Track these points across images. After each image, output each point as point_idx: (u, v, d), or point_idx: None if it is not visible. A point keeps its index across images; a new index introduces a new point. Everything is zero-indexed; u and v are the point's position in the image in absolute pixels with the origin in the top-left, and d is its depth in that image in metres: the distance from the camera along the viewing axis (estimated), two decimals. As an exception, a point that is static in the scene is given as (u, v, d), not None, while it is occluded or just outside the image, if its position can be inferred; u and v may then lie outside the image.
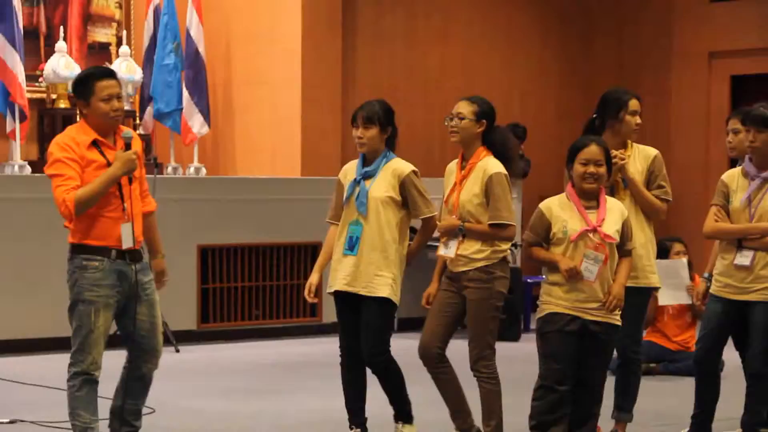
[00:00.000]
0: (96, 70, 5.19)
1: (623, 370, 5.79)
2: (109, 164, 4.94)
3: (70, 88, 10.04)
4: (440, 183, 5.69)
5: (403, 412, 5.66)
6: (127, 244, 4.97)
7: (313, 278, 5.66)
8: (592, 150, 5.19)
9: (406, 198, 5.52)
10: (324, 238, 5.77)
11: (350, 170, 5.65)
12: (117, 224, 4.95)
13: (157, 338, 5.14)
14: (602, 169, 5.19)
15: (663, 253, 7.49)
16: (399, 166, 5.56)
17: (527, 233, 5.31)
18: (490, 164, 5.42)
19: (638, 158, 5.69)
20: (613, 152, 5.46)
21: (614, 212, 5.24)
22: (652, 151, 5.74)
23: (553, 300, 5.21)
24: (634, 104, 5.72)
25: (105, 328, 4.99)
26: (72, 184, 4.86)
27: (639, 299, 5.66)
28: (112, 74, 5.06)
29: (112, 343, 5.06)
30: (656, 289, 5.82)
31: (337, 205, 5.67)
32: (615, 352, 5.75)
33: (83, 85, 5.01)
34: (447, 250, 5.48)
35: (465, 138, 5.48)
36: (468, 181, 5.45)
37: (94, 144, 4.97)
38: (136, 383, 5.15)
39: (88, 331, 4.95)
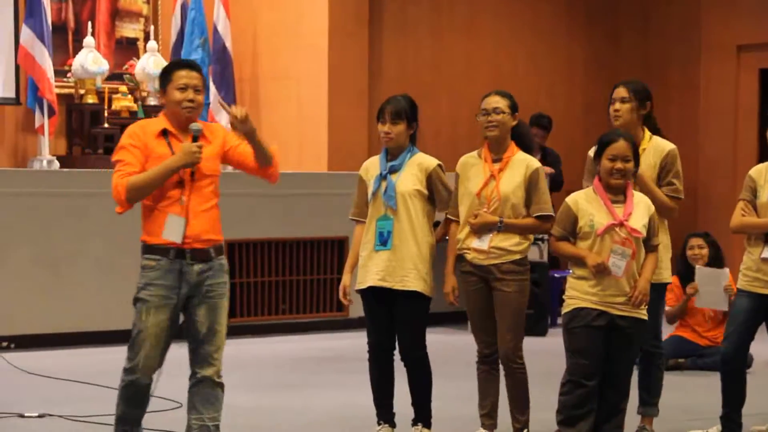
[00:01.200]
0: (180, 60, 5.13)
1: (646, 364, 5.76)
2: None
3: (98, 82, 10.14)
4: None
5: (424, 414, 5.65)
6: (168, 236, 4.73)
7: (346, 280, 5.66)
8: (621, 146, 5.18)
9: (432, 192, 5.52)
10: (351, 234, 5.77)
11: (372, 166, 5.65)
12: (182, 221, 4.74)
13: (214, 345, 4.81)
14: (630, 165, 5.18)
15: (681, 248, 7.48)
16: (425, 160, 5.58)
17: (554, 227, 5.31)
18: (531, 160, 5.50)
19: (653, 151, 5.63)
20: None
21: (641, 207, 5.22)
22: (668, 146, 5.66)
23: (580, 295, 5.19)
24: (615, 93, 5.68)
25: (158, 330, 4.74)
26: (128, 170, 4.70)
27: (654, 294, 5.63)
28: (194, 66, 4.90)
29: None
30: (668, 284, 5.77)
31: (360, 202, 5.67)
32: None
33: (164, 74, 4.88)
34: (480, 243, 5.47)
35: (502, 132, 5.50)
36: (505, 174, 5.46)
37: (164, 134, 4.80)
38: (196, 395, 4.84)
39: (138, 331, 4.77)
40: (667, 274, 5.66)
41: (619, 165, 5.17)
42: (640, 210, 5.21)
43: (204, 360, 4.83)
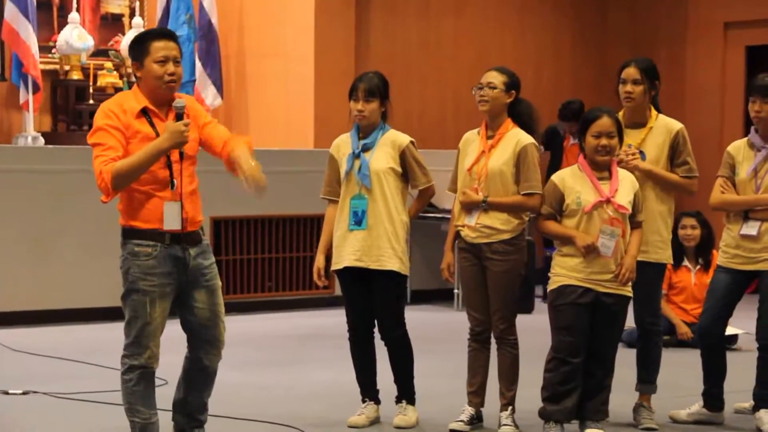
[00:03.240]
0: (154, 29, 4.71)
1: (643, 342, 5.77)
2: (158, 136, 4.44)
3: (83, 59, 10.08)
4: (453, 155, 5.67)
5: (408, 391, 5.66)
6: (170, 225, 4.49)
7: (320, 261, 5.63)
8: (605, 122, 5.17)
9: (406, 168, 5.51)
10: None
11: (343, 144, 5.62)
12: (177, 205, 4.51)
13: (218, 328, 4.69)
14: (614, 141, 5.18)
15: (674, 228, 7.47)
16: (397, 137, 5.56)
17: (542, 207, 5.30)
18: (522, 135, 5.44)
19: (660, 130, 5.62)
20: (624, 150, 5.42)
21: (626, 183, 5.23)
22: (676, 125, 5.65)
23: (566, 272, 5.20)
24: (625, 73, 5.64)
25: (162, 319, 4.56)
26: (112, 155, 4.36)
27: (653, 273, 5.65)
28: (171, 35, 4.54)
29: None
30: (665, 265, 5.78)
31: (332, 180, 5.64)
32: (635, 325, 5.78)
33: (138, 46, 4.50)
34: (470, 219, 5.47)
35: (494, 108, 5.46)
36: (496, 150, 5.44)
37: (144, 113, 4.48)
38: (199, 375, 4.75)
39: (145, 323, 4.52)
40: (667, 254, 5.68)
41: (604, 141, 5.16)
42: (625, 186, 5.22)
43: (211, 345, 4.71)
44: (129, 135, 4.44)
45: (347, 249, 5.51)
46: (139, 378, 4.59)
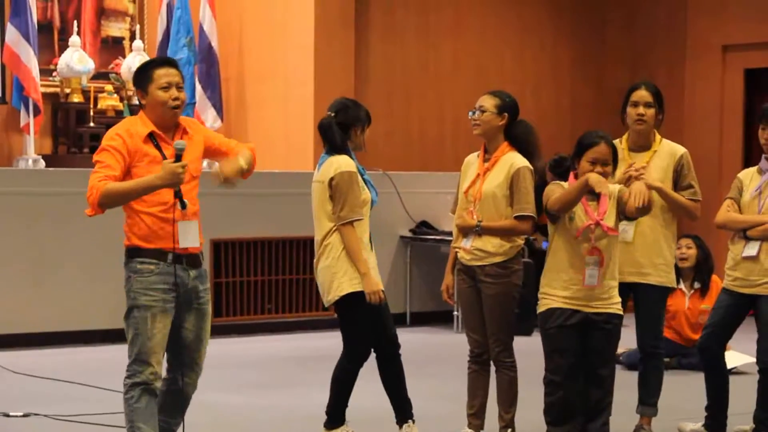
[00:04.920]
0: (156, 58, 4.88)
1: (645, 364, 5.80)
2: (165, 159, 4.56)
3: (84, 81, 10.12)
4: (452, 177, 5.71)
5: (408, 407, 5.68)
6: (186, 243, 4.60)
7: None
8: (602, 150, 5.12)
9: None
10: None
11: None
12: (170, 225, 4.58)
13: (199, 352, 4.75)
14: (608, 168, 5.14)
15: None
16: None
17: (549, 195, 5.13)
18: (517, 159, 5.45)
19: (664, 154, 5.66)
20: (632, 168, 5.44)
21: (612, 204, 5.18)
22: (680, 149, 5.70)
23: (552, 293, 5.18)
24: (637, 95, 5.68)
25: (164, 335, 4.61)
26: (108, 173, 4.51)
27: (656, 296, 5.68)
28: (172, 63, 4.74)
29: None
30: (673, 289, 5.83)
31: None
32: (637, 347, 5.79)
33: (142, 74, 4.68)
34: (465, 242, 5.50)
35: (487, 131, 5.49)
36: (491, 173, 5.46)
37: (151, 137, 4.63)
38: (172, 398, 4.76)
39: (146, 339, 4.57)
40: (671, 278, 5.72)
41: (599, 169, 5.10)
42: (612, 207, 5.19)
43: (190, 368, 4.75)
44: (136, 158, 4.59)
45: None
46: (140, 395, 4.61)
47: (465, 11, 11.67)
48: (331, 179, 5.47)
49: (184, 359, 4.73)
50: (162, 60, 4.81)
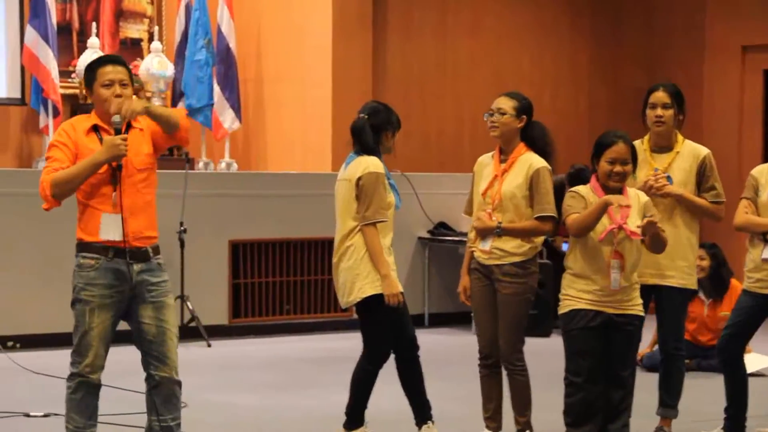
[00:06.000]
0: (103, 56, 4.94)
1: (666, 366, 5.78)
2: None
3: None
4: (470, 178, 5.69)
5: (428, 408, 5.68)
6: (107, 236, 4.64)
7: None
8: (620, 149, 5.13)
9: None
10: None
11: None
12: (117, 218, 4.63)
13: (166, 344, 4.74)
14: (628, 168, 5.15)
15: None
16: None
17: (568, 213, 5.15)
18: (535, 159, 5.45)
19: (687, 156, 5.65)
20: (652, 175, 5.43)
21: (635, 204, 5.19)
22: (703, 150, 5.68)
23: (575, 295, 5.18)
24: (654, 97, 5.67)
25: (102, 329, 4.67)
26: (56, 166, 4.60)
27: (679, 298, 5.67)
28: (117, 61, 4.78)
29: (121, 339, 4.85)
30: (695, 291, 5.81)
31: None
32: (658, 349, 5.78)
33: (88, 73, 4.76)
34: (484, 244, 5.48)
35: (505, 133, 5.48)
36: (509, 174, 5.45)
37: (95, 130, 4.70)
38: (156, 395, 4.77)
39: (84, 332, 4.68)
40: (693, 281, 5.71)
41: (618, 168, 5.13)
42: (634, 209, 5.19)
43: (159, 361, 4.75)
44: (77, 151, 4.65)
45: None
46: (77, 386, 4.73)
47: (483, 11, 11.67)
48: (359, 179, 5.49)
49: (153, 353, 4.75)
50: (107, 58, 4.87)
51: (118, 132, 4.60)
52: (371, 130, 5.54)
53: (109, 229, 4.64)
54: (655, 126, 5.65)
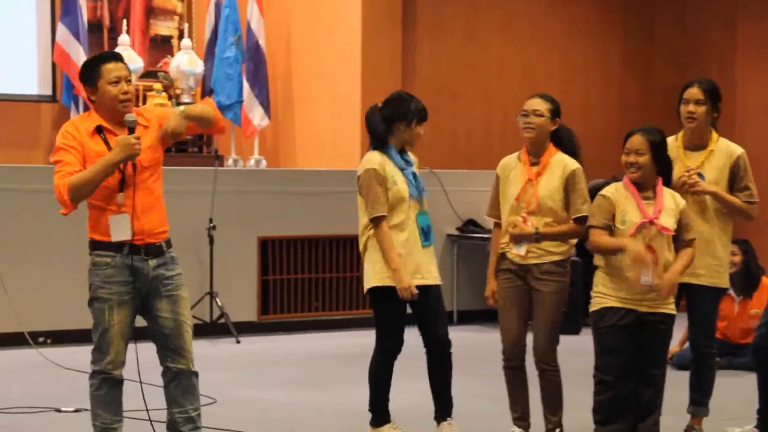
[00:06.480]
0: (103, 53, 4.92)
1: (697, 364, 5.76)
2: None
3: (133, 80, 10.17)
4: (500, 177, 5.66)
5: (450, 406, 5.67)
6: (118, 237, 4.66)
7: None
8: (635, 140, 5.14)
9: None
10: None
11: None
12: (125, 217, 4.68)
13: (183, 337, 4.80)
14: (642, 159, 5.10)
15: None
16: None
17: (594, 220, 5.17)
18: (568, 160, 5.43)
19: (721, 154, 5.61)
20: (686, 174, 5.41)
21: (670, 203, 5.17)
22: (737, 150, 5.64)
23: (606, 292, 5.15)
24: (688, 93, 5.64)
25: (123, 326, 4.73)
26: (68, 170, 4.59)
27: (711, 297, 5.63)
28: (119, 57, 4.76)
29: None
30: (726, 289, 5.76)
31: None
32: (689, 347, 5.75)
33: (89, 70, 4.71)
34: (519, 249, 5.44)
35: (539, 135, 5.44)
36: (543, 177, 5.42)
37: (99, 131, 4.68)
38: (175, 387, 4.84)
39: (104, 330, 4.72)
40: (725, 279, 5.67)
41: (631, 158, 5.11)
42: (669, 207, 5.16)
43: (177, 353, 4.80)
44: (84, 153, 4.64)
45: (431, 266, 5.57)
46: (100, 383, 4.78)
47: (513, 9, 11.63)
48: (358, 177, 5.56)
49: (169, 346, 4.80)
50: (109, 55, 4.82)
51: (132, 131, 4.62)
52: (382, 120, 5.52)
53: (118, 231, 4.67)
54: (687, 122, 5.62)
